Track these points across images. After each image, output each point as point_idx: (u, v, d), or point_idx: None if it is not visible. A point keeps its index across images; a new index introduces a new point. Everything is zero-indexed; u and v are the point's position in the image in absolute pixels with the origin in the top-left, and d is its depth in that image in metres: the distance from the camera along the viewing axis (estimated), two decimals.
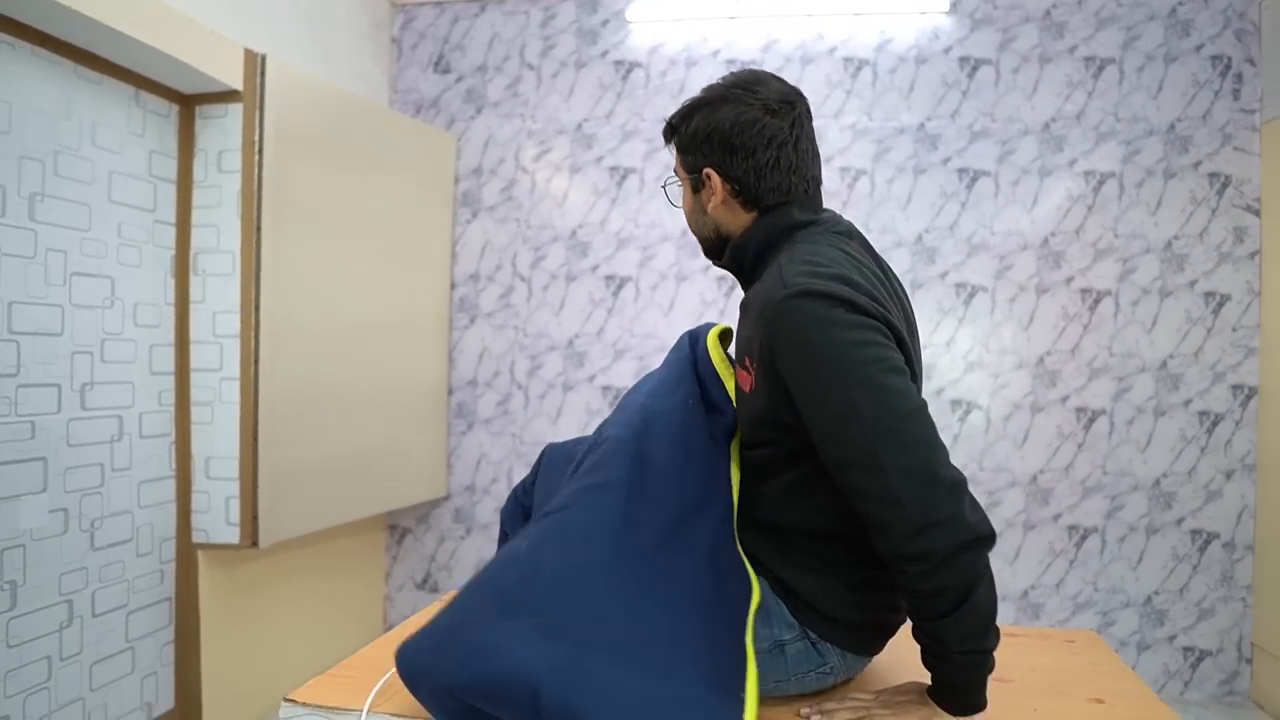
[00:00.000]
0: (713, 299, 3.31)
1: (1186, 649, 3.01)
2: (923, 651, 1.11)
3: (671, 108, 3.36)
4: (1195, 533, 3.01)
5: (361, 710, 1.19)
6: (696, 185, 1.28)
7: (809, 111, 1.26)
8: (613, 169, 3.38)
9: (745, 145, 1.20)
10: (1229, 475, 3.00)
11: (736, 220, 1.27)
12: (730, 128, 1.20)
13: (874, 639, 1.26)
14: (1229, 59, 3.02)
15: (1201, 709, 2.91)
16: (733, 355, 1.35)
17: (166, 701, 2.49)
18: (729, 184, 1.24)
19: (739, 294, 3.30)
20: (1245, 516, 2.98)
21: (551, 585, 1.12)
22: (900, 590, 1.11)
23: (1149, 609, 3.03)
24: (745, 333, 1.22)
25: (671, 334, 3.33)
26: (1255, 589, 2.97)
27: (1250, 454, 2.99)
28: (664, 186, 1.40)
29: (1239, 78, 3.02)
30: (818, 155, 1.28)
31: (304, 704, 1.22)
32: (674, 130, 1.29)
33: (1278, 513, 2.87)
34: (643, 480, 1.22)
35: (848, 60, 3.23)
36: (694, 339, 1.42)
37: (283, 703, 1.23)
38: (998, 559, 3.02)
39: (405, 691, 1.24)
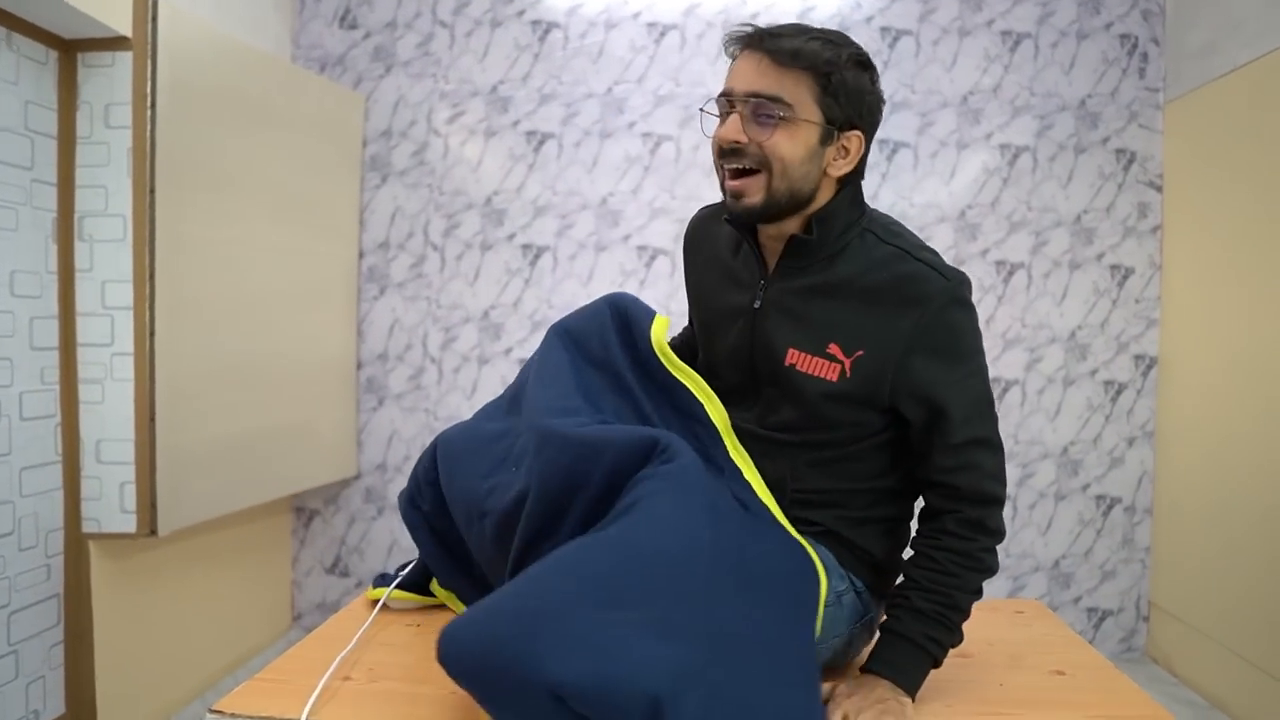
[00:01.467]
0: (633, 269, 3.25)
1: (1090, 609, 3.13)
2: (911, 622, 1.14)
3: (591, 72, 3.30)
4: (1100, 498, 3.12)
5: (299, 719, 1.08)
6: (827, 137, 1.15)
7: None
8: (530, 134, 3.26)
9: (875, 123, 1.20)
10: (1131, 442, 3.11)
11: (830, 190, 1.20)
12: (879, 105, 1.20)
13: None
14: (1136, 38, 3.10)
15: None
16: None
17: (55, 707, 2.30)
18: (863, 156, 1.20)
19: (660, 265, 3.25)
20: (1145, 481, 3.11)
21: (650, 572, 0.95)
22: (958, 555, 1.15)
23: (1056, 572, 3.13)
24: (838, 317, 1.18)
25: None
26: (1153, 550, 3.10)
27: (1150, 421, 3.10)
28: (702, 109, 1.26)
29: (1145, 57, 3.10)
30: None
31: (231, 714, 1.10)
32: (829, 66, 1.12)
33: (1175, 477, 2.99)
34: (697, 468, 1.09)
35: None
36: (631, 345, 1.26)
37: (208, 714, 1.11)
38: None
39: (343, 698, 1.14)
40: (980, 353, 1.18)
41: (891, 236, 1.19)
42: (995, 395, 3.05)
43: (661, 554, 0.96)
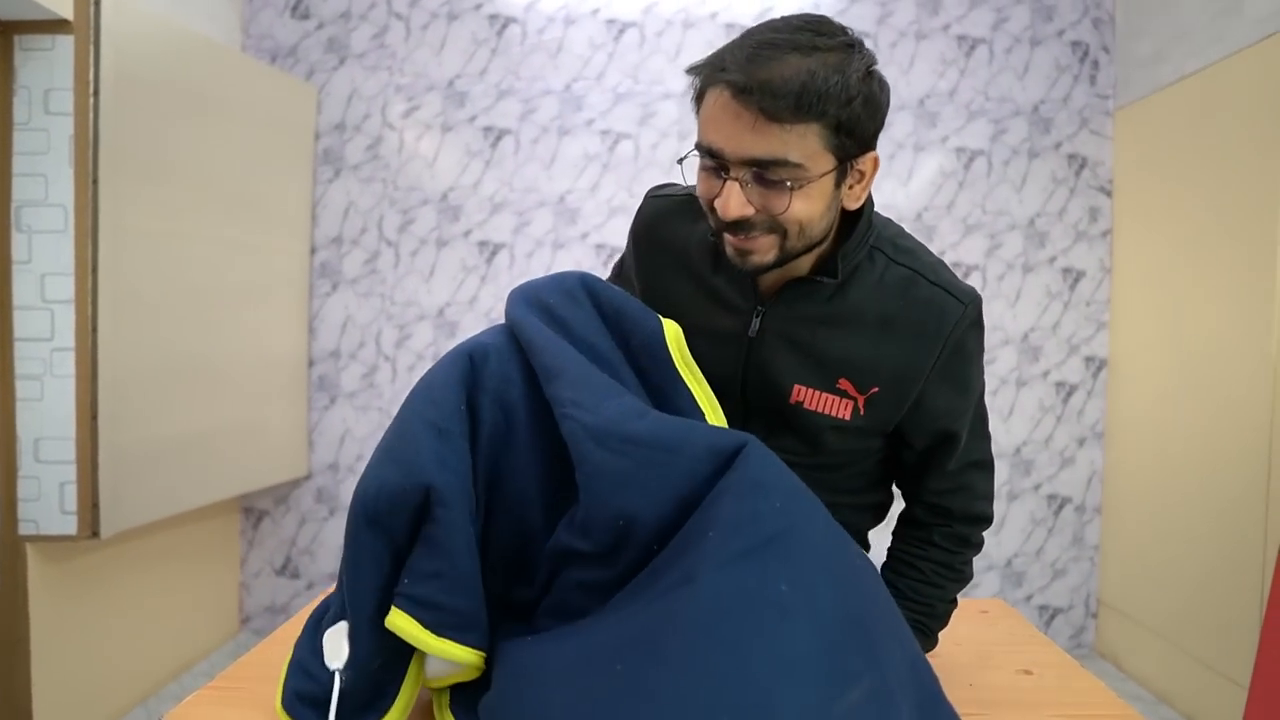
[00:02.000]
0: (590, 267, 3.22)
1: (1041, 607, 3.17)
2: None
3: (550, 68, 3.27)
4: (1051, 497, 3.17)
5: None
6: (842, 176, 0.94)
7: None
8: (487, 129, 3.22)
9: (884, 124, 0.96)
10: (1081, 442, 3.16)
11: (841, 215, 1.02)
12: (889, 104, 0.94)
13: None
14: (1087, 46, 3.15)
15: None
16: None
17: None
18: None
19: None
20: (1094, 481, 3.16)
21: (857, 631, 0.82)
22: (942, 567, 1.18)
23: (1009, 571, 3.17)
24: (849, 350, 1.05)
25: None
26: (1101, 548, 3.16)
27: (1100, 422, 3.16)
28: (680, 161, 1.01)
29: (1095, 64, 3.15)
30: None
31: None
32: (840, 105, 0.87)
33: (1123, 477, 3.05)
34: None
35: (730, 27, 3.18)
36: (624, 341, 1.06)
37: None
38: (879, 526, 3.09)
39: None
40: (983, 370, 1.15)
41: (902, 255, 1.06)
42: None
43: (860, 605, 0.83)
